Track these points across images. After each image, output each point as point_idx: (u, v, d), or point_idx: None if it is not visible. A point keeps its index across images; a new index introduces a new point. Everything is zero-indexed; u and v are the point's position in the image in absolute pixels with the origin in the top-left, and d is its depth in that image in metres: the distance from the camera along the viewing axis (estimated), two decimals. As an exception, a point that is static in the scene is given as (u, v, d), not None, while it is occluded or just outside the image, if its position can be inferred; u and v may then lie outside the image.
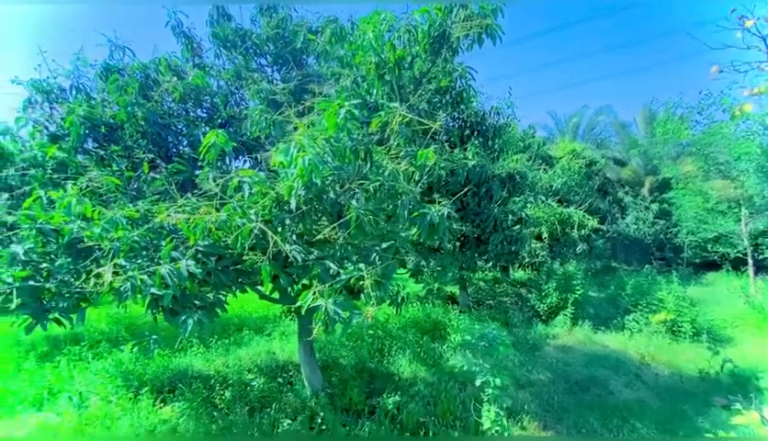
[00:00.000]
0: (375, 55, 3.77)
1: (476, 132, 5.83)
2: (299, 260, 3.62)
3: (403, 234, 3.65)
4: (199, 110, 6.40)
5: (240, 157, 6.44)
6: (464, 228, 4.53)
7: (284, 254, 3.60)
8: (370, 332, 8.01)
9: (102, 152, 5.25)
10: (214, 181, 4.89)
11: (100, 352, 7.76)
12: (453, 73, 4.87)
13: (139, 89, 5.09)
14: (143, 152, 5.50)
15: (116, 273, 3.67)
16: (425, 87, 4.54)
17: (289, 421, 5.08)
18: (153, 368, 6.93)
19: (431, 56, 4.10)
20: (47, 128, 5.04)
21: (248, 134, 5.90)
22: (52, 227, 4.08)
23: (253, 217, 3.38)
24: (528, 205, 6.90)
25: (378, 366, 7.41)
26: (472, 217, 5.31)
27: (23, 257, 4.04)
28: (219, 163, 5.61)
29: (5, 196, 8.75)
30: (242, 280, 4.17)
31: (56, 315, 4.13)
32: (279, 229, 3.56)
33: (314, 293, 3.01)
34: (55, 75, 5.10)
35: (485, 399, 3.97)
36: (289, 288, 4.04)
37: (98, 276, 3.83)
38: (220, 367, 7.08)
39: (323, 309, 3.03)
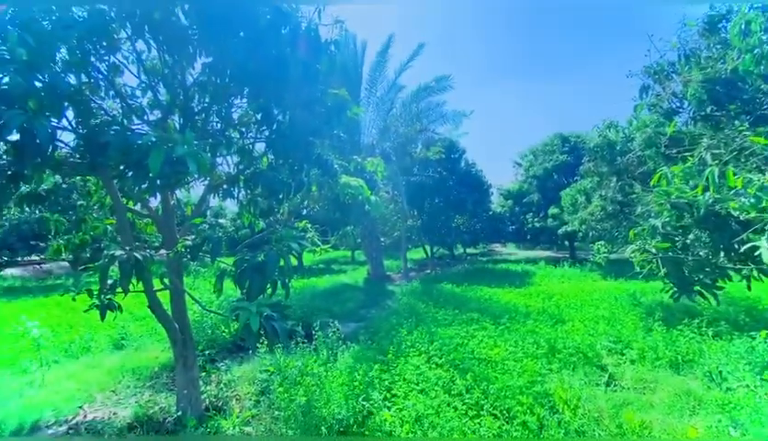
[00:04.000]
0: None
1: None
2: None
3: None
4: None
5: None
6: None
7: None
8: None
9: (720, 114, 4.73)
10: None
11: (720, 331, 7.20)
12: None
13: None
14: (775, 98, 4.36)
15: (776, 249, 3.05)
16: None
17: None
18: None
19: None
20: (661, 107, 5.27)
21: None
22: (685, 201, 4.13)
23: None
24: None
25: None
26: None
27: (661, 230, 4.42)
28: None
29: (615, 179, 10.41)
30: None
31: (698, 288, 4.16)
32: None
33: None
34: (662, 53, 5.24)
35: None
36: None
37: (753, 249, 3.39)
38: None
39: None
